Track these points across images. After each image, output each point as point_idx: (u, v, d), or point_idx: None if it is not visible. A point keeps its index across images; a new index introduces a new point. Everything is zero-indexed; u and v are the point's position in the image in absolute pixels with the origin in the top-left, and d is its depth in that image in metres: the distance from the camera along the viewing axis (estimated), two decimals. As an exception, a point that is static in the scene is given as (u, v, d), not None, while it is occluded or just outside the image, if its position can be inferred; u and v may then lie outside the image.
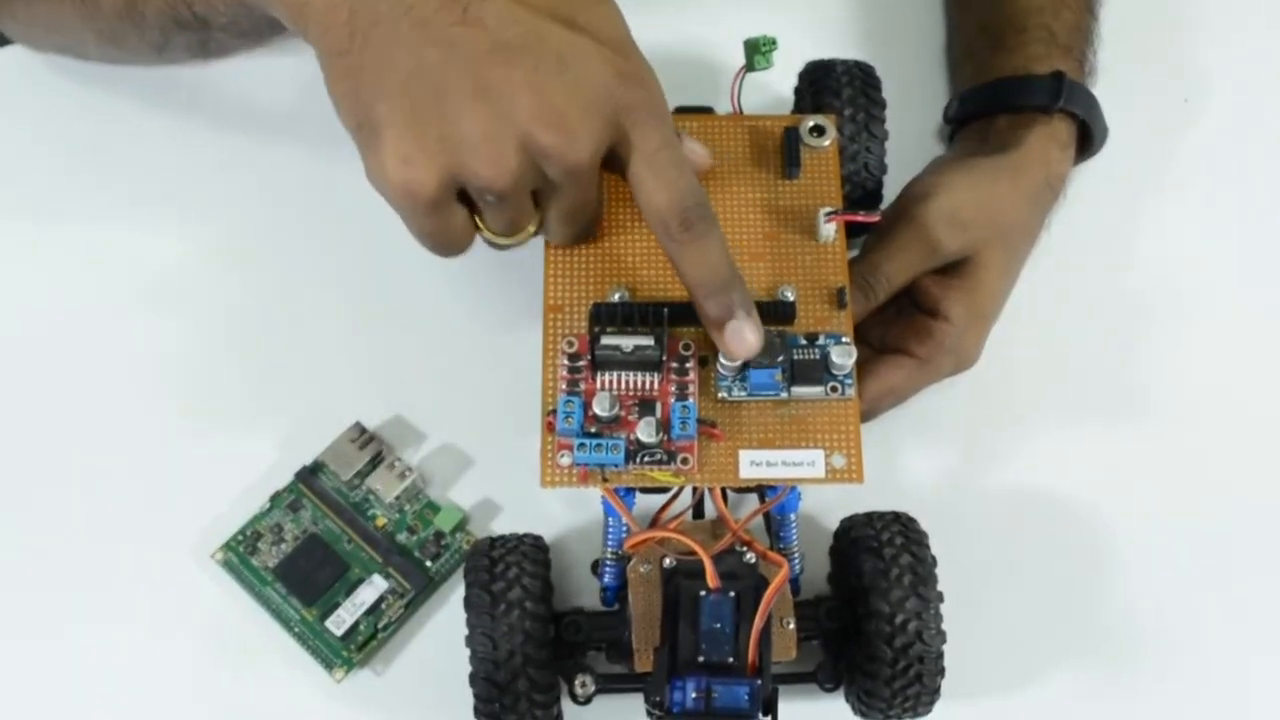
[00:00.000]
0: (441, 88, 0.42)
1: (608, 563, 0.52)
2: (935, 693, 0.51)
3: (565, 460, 0.47)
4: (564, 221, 0.48)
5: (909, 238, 0.56)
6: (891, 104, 0.59)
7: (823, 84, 0.59)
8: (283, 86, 0.67)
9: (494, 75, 0.42)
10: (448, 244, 0.47)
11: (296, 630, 0.56)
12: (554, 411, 0.47)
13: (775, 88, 0.62)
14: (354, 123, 0.44)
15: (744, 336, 0.47)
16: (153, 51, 0.60)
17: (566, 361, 0.49)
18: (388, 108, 0.43)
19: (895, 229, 0.57)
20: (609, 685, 0.52)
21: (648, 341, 0.48)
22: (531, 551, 0.51)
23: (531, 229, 0.47)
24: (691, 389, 0.48)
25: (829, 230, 0.51)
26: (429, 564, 0.57)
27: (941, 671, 0.50)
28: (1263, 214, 0.66)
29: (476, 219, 0.47)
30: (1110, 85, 0.63)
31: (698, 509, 0.53)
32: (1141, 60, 0.67)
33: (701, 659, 0.47)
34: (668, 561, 0.49)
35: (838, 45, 0.65)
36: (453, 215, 0.45)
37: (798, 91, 0.61)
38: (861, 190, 0.58)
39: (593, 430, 0.47)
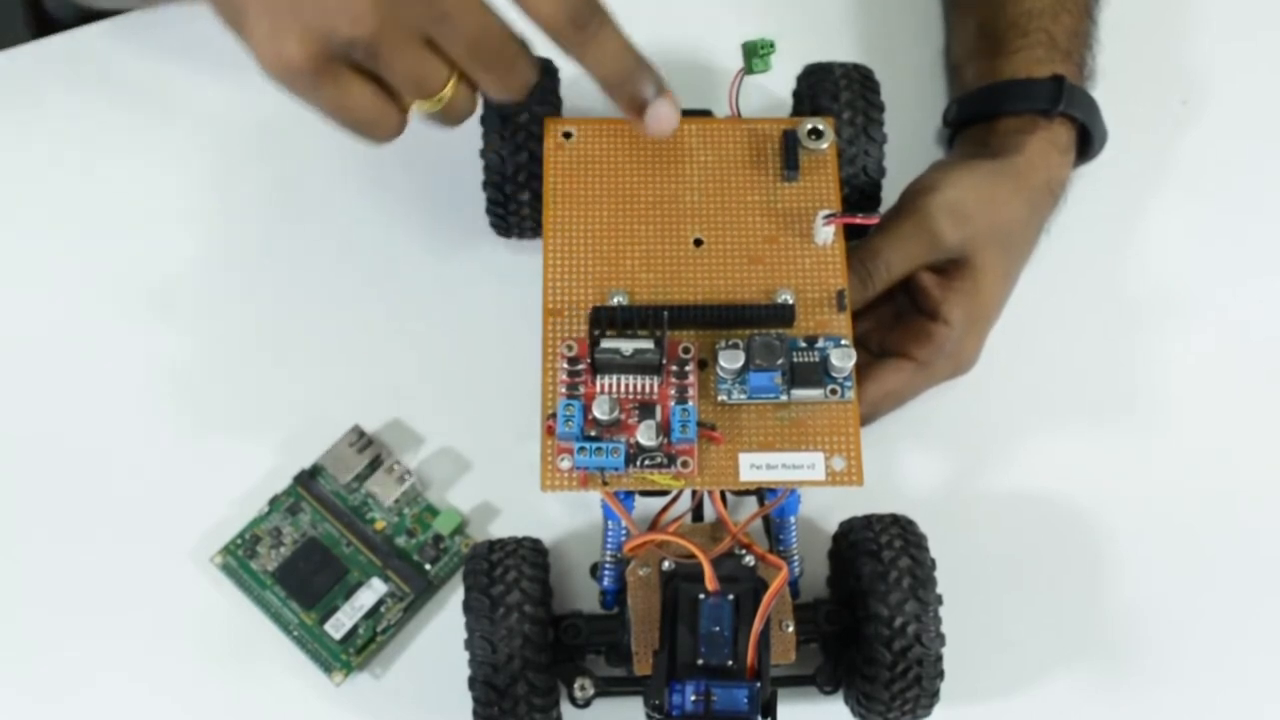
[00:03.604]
0: None
1: (607, 566, 0.52)
2: (934, 696, 0.51)
3: (565, 464, 0.47)
4: (478, 65, 0.46)
5: (910, 227, 0.57)
6: (890, 106, 0.59)
7: (821, 87, 0.59)
8: (282, 93, 0.67)
9: None
10: (360, 121, 0.46)
11: (295, 633, 0.56)
12: (554, 415, 0.47)
13: (774, 90, 0.62)
14: (226, 16, 0.45)
15: (662, 115, 0.49)
16: None
17: (566, 365, 0.49)
18: None
19: (897, 218, 0.57)
20: (608, 688, 0.52)
21: (647, 345, 0.48)
22: (530, 555, 0.51)
23: (449, 90, 0.46)
24: (691, 392, 0.48)
25: (827, 233, 0.51)
26: (428, 567, 0.57)
27: (940, 674, 0.50)
28: (1261, 216, 0.66)
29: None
30: (1107, 87, 0.63)
31: (697, 512, 0.53)
32: (1138, 62, 0.67)
33: (701, 662, 0.47)
34: (667, 564, 0.50)
35: (836, 48, 0.65)
36: (347, 86, 0.45)
37: (796, 94, 0.61)
38: (860, 193, 0.58)
39: (592, 434, 0.47)
